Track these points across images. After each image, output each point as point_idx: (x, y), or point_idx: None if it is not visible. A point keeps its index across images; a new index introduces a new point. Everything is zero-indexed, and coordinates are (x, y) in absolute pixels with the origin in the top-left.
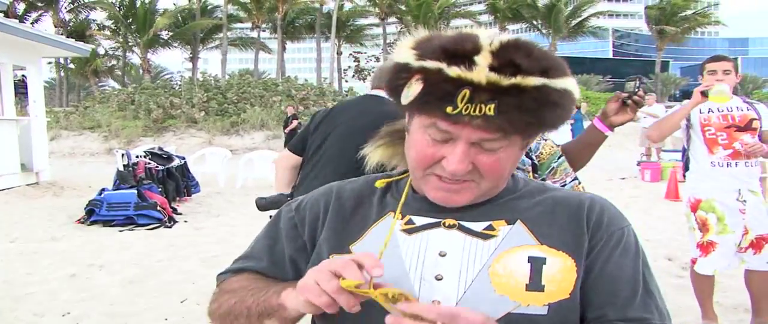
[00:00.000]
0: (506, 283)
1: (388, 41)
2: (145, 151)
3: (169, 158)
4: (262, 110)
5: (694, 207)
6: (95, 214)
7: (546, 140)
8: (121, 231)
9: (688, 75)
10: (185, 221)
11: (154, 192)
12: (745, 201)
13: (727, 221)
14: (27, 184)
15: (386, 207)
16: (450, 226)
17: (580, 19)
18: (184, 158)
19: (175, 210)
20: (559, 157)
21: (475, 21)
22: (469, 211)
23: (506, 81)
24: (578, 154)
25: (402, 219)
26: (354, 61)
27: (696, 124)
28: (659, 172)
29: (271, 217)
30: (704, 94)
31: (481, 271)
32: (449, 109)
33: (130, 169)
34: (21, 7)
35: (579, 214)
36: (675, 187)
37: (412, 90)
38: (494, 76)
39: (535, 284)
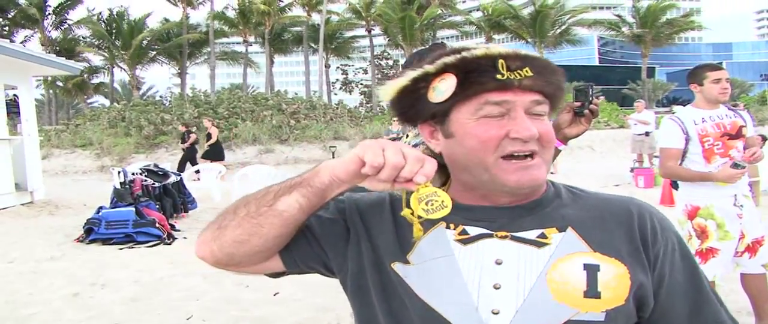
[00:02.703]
0: (564, 291)
1: (375, 53)
2: (141, 168)
3: (165, 175)
4: (254, 125)
5: (692, 214)
6: (94, 232)
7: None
8: (120, 249)
9: (674, 80)
10: (184, 238)
11: (152, 209)
12: (741, 206)
13: (727, 227)
14: (21, 204)
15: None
16: (503, 237)
17: (563, 27)
18: (180, 175)
19: (173, 227)
20: None
21: (460, 30)
22: (519, 220)
23: (522, 52)
24: None
25: (455, 229)
26: (342, 73)
27: (694, 137)
28: (653, 178)
29: None
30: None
31: (538, 278)
32: (499, 77)
33: (127, 186)
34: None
35: (630, 223)
36: (669, 193)
37: (446, 84)
38: (513, 49)
39: (592, 291)
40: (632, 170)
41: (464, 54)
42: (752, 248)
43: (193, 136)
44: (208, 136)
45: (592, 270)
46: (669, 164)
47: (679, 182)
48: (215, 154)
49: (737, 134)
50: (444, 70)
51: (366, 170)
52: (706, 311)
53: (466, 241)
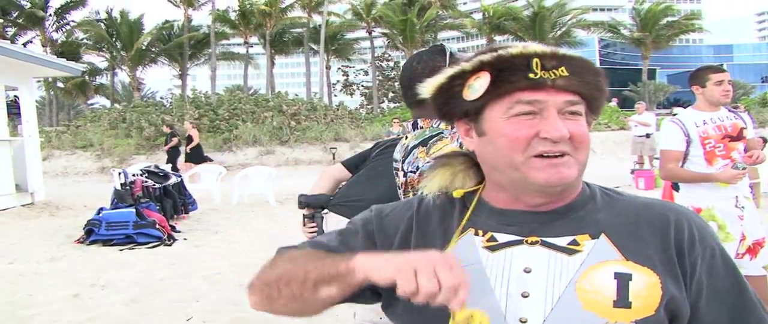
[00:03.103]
0: (594, 299)
1: (376, 55)
2: (141, 170)
3: (166, 176)
4: (254, 126)
5: None
6: (94, 233)
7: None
8: (121, 250)
9: (675, 83)
10: (185, 239)
11: (152, 210)
12: (743, 207)
13: (729, 229)
14: (22, 205)
15: (468, 221)
16: (533, 243)
17: (563, 28)
18: (180, 176)
19: (173, 228)
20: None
21: (461, 32)
22: (551, 225)
23: (560, 51)
24: None
25: (483, 236)
26: (343, 75)
27: (696, 139)
28: (653, 180)
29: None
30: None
31: (567, 287)
32: (532, 75)
33: (128, 187)
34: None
35: (665, 231)
36: (670, 194)
37: (480, 82)
38: (550, 47)
39: (622, 301)
40: (633, 172)
41: (500, 52)
42: (753, 250)
43: (174, 139)
44: (189, 139)
45: (623, 279)
46: (670, 166)
47: (680, 184)
48: (197, 157)
49: (738, 136)
50: (480, 68)
51: (399, 293)
52: (749, 318)
53: (495, 248)
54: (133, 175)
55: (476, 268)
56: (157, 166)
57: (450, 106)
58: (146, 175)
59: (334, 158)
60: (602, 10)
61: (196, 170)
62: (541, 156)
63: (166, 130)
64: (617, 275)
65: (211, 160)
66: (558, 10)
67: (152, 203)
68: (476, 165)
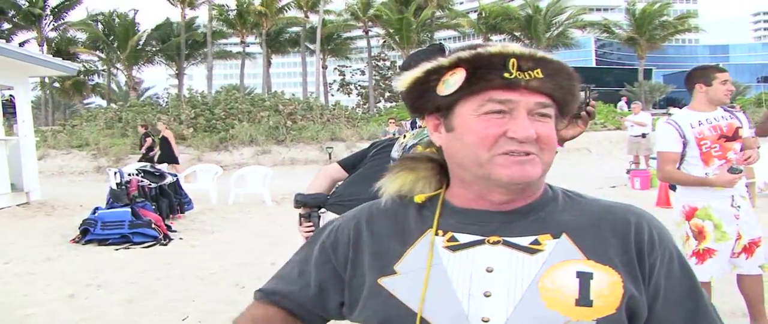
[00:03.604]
0: (556, 298)
1: (372, 54)
2: (137, 169)
3: (162, 176)
4: (251, 126)
5: (690, 215)
6: (90, 233)
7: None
8: (116, 250)
9: (671, 83)
10: (180, 238)
11: (148, 210)
12: (739, 207)
13: (724, 228)
14: (17, 205)
15: (426, 222)
16: (495, 243)
17: (559, 29)
18: (176, 175)
19: (169, 227)
20: None
21: (458, 31)
22: (513, 225)
23: (539, 53)
24: None
25: (444, 236)
26: (339, 75)
27: (691, 140)
28: (649, 179)
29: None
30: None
31: (530, 286)
32: (506, 75)
33: (123, 187)
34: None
35: (626, 233)
36: (666, 194)
37: (455, 78)
38: (529, 49)
39: (584, 299)
40: (628, 172)
41: (479, 50)
42: (749, 249)
43: (148, 140)
44: (164, 140)
45: (585, 278)
46: (667, 168)
47: (674, 186)
48: (170, 158)
49: (734, 136)
50: (457, 64)
51: None
52: (702, 322)
53: (456, 248)
54: (129, 175)
55: (437, 269)
56: (152, 166)
57: (423, 100)
58: (142, 174)
59: (330, 158)
60: (598, 10)
61: (191, 170)
62: (506, 154)
63: (141, 130)
64: (579, 274)
65: (177, 163)
66: (552, 11)
67: (148, 203)
68: (441, 172)
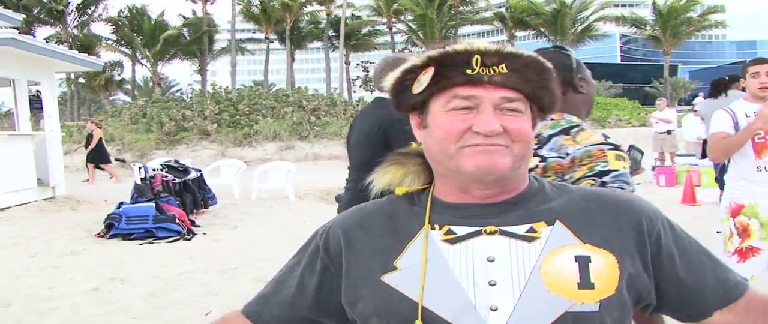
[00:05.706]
0: (559, 283)
1: (396, 50)
2: (161, 164)
3: (186, 171)
4: (274, 121)
5: (735, 212)
6: (114, 227)
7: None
8: (140, 244)
9: (697, 79)
10: (204, 233)
11: (172, 205)
12: None
13: None
14: (43, 199)
15: (421, 218)
16: (492, 233)
17: (585, 24)
18: (200, 170)
19: (193, 222)
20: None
21: (487, 25)
22: (506, 215)
23: (506, 49)
24: None
25: (440, 230)
26: (363, 70)
27: None
28: (674, 176)
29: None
30: None
31: (532, 273)
32: (469, 71)
33: (148, 182)
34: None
35: (618, 215)
36: (691, 191)
37: (425, 77)
38: (495, 44)
39: (585, 282)
40: (654, 168)
41: (447, 48)
42: None
43: (95, 137)
44: (89, 139)
45: (583, 261)
46: (718, 145)
47: (726, 180)
48: (100, 157)
49: None
50: (427, 63)
51: None
52: (728, 274)
53: (454, 240)
54: (154, 170)
55: (438, 262)
56: (177, 161)
57: (402, 98)
58: (166, 169)
59: None
60: (624, 5)
61: (215, 165)
62: (472, 146)
63: (90, 127)
64: (577, 258)
65: (123, 161)
66: (579, 6)
67: (172, 198)
68: (429, 168)
